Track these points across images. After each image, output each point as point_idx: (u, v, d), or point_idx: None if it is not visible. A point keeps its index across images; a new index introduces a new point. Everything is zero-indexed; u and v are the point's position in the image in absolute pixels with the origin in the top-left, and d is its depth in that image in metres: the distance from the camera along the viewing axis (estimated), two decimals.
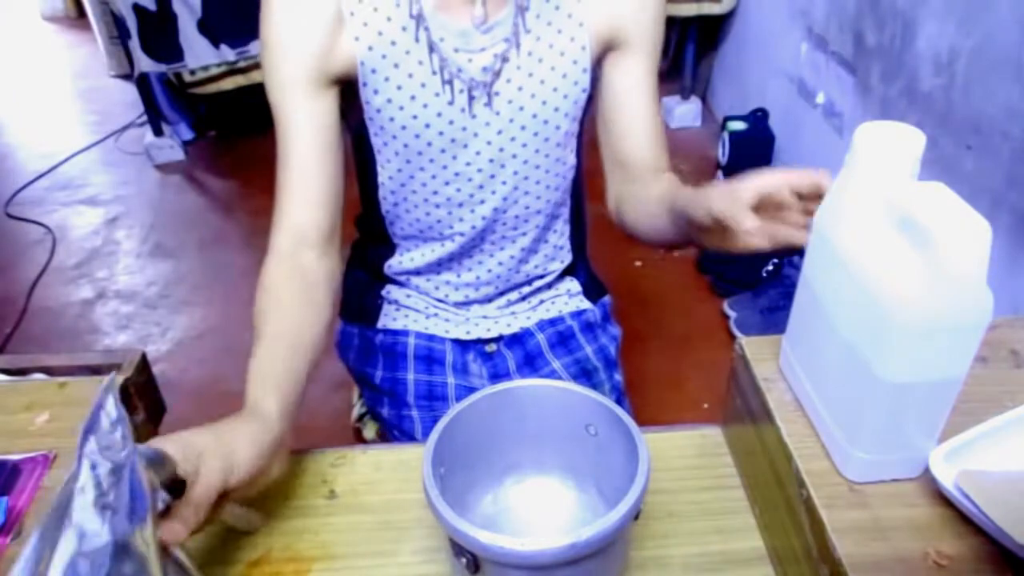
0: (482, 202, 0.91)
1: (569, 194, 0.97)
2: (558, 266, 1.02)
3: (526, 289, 1.03)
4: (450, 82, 0.83)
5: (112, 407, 0.47)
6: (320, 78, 0.82)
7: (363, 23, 0.80)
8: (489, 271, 0.98)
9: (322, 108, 0.84)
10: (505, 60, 0.83)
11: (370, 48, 0.81)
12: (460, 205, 0.91)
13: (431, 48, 0.81)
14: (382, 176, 0.91)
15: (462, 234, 0.93)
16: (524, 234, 0.95)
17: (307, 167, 0.83)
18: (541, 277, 1.02)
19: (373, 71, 0.82)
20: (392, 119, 0.84)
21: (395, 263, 1.01)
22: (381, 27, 0.81)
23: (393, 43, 0.81)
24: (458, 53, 0.82)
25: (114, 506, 0.44)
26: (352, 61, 0.81)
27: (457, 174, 0.88)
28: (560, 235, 1.00)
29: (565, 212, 0.99)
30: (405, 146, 0.86)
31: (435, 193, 0.90)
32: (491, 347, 1.05)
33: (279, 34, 0.80)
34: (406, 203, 0.93)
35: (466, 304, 1.02)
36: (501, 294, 1.02)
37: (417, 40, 0.81)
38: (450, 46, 0.82)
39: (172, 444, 0.54)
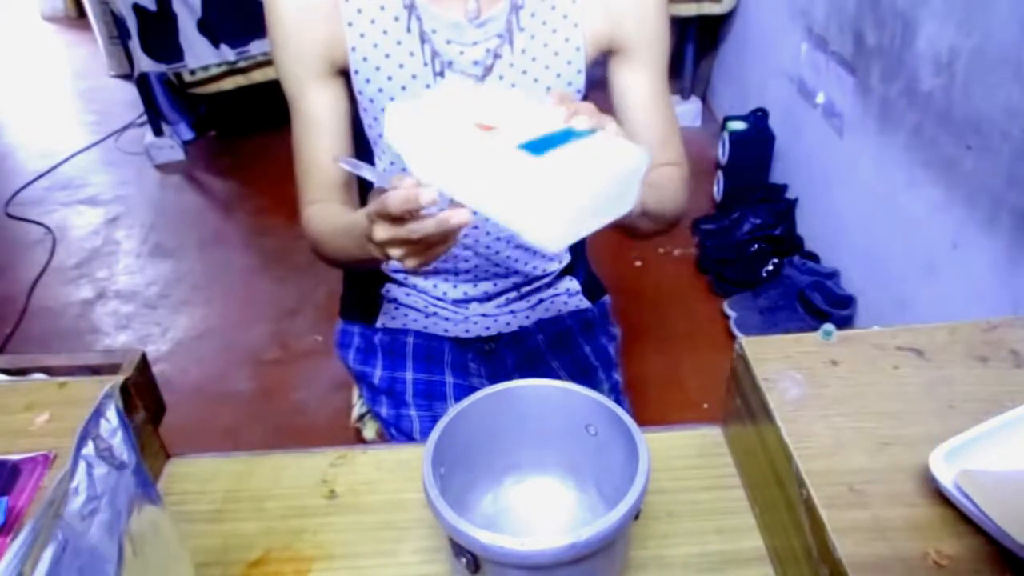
0: None
1: None
2: (556, 266, 1.02)
3: (525, 288, 1.02)
4: (441, 74, 0.83)
5: (113, 415, 0.47)
6: (326, 66, 0.84)
7: (357, 9, 0.81)
8: (486, 271, 0.98)
9: (333, 95, 0.86)
10: (498, 56, 0.83)
11: (362, 35, 0.81)
12: (451, 201, 0.90)
13: (423, 39, 0.81)
14: (378, 169, 0.92)
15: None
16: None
17: (324, 156, 0.88)
18: (540, 277, 1.02)
19: (364, 59, 0.82)
20: (383, 110, 0.85)
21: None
22: (374, 15, 0.81)
23: (385, 32, 0.81)
24: (450, 45, 0.82)
25: (105, 511, 0.44)
26: (346, 48, 0.82)
27: None
28: None
29: None
30: None
31: None
32: (490, 347, 1.05)
33: (283, 28, 0.82)
34: None
35: (465, 302, 1.02)
36: (500, 293, 1.02)
37: (409, 30, 0.81)
38: (442, 38, 0.82)
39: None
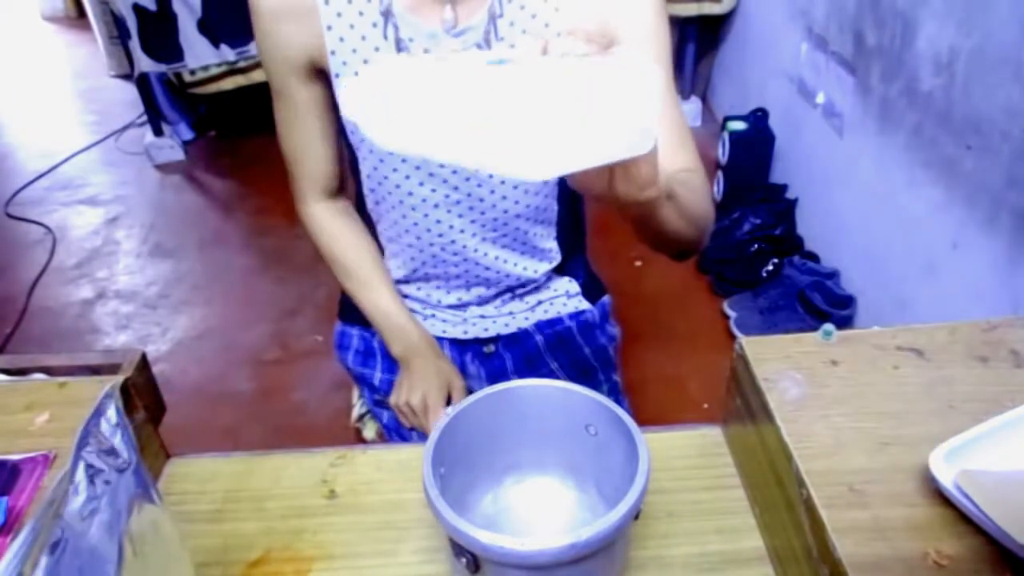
0: (457, 202, 0.89)
1: (554, 198, 0.94)
2: (547, 266, 1.00)
3: (521, 290, 1.02)
4: None
5: (113, 415, 0.47)
6: (308, 66, 0.85)
7: (336, 13, 0.80)
8: (476, 276, 0.97)
9: (320, 89, 0.88)
10: None
11: (341, 39, 0.81)
12: (436, 206, 0.90)
13: (399, 47, 0.81)
14: (362, 175, 0.92)
15: (441, 235, 0.92)
16: (504, 235, 0.93)
17: (313, 141, 0.91)
18: (534, 280, 1.01)
19: (344, 63, 0.82)
20: None
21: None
22: (353, 20, 0.81)
23: (363, 38, 0.81)
24: (427, 55, 0.81)
25: (105, 511, 0.44)
26: (326, 51, 0.82)
27: (432, 174, 0.87)
28: (546, 237, 0.97)
29: (551, 215, 0.95)
30: None
31: (410, 194, 0.89)
32: (489, 348, 1.04)
33: (263, 27, 0.83)
34: (385, 203, 0.92)
35: (461, 306, 1.01)
36: (495, 295, 1.01)
37: (386, 38, 0.81)
38: (419, 47, 0.81)
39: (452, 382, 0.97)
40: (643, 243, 0.77)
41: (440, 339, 1.02)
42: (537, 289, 1.03)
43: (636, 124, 0.50)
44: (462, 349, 1.04)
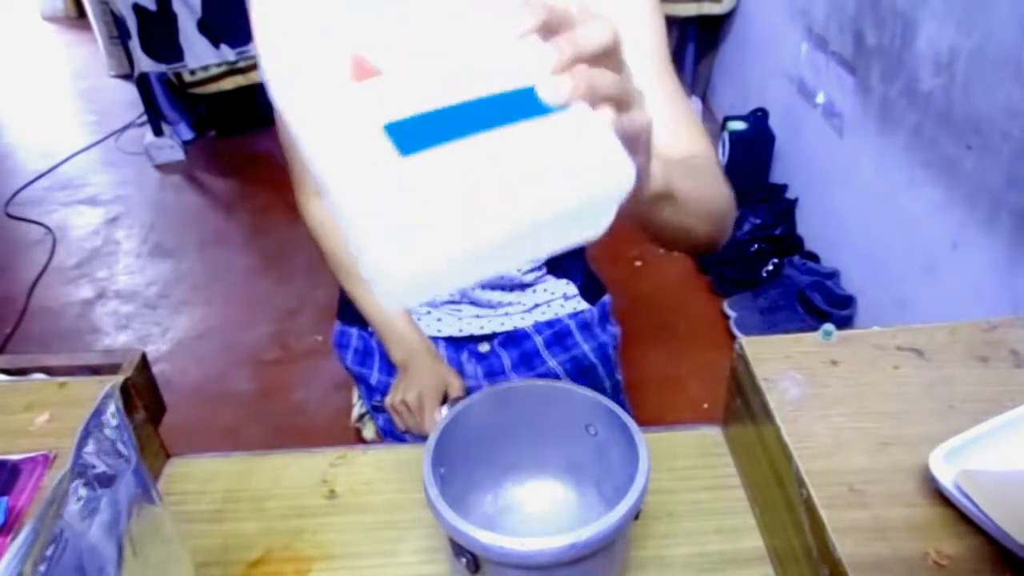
0: None
1: None
2: (528, 264, 0.99)
3: (515, 289, 1.01)
4: None
5: (113, 414, 0.47)
6: None
7: None
8: None
9: None
10: None
11: None
12: None
13: None
14: None
15: None
16: None
17: None
18: (520, 278, 1.00)
19: None
20: None
21: None
22: None
23: None
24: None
25: (105, 511, 0.44)
26: None
27: None
28: None
29: None
30: None
31: None
32: (484, 346, 1.04)
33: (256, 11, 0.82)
34: None
35: (456, 303, 1.01)
36: (488, 293, 1.01)
37: None
38: None
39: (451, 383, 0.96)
40: (654, 244, 0.71)
41: (435, 338, 1.02)
42: (532, 290, 1.02)
43: (593, 224, 0.38)
44: (457, 347, 1.04)
